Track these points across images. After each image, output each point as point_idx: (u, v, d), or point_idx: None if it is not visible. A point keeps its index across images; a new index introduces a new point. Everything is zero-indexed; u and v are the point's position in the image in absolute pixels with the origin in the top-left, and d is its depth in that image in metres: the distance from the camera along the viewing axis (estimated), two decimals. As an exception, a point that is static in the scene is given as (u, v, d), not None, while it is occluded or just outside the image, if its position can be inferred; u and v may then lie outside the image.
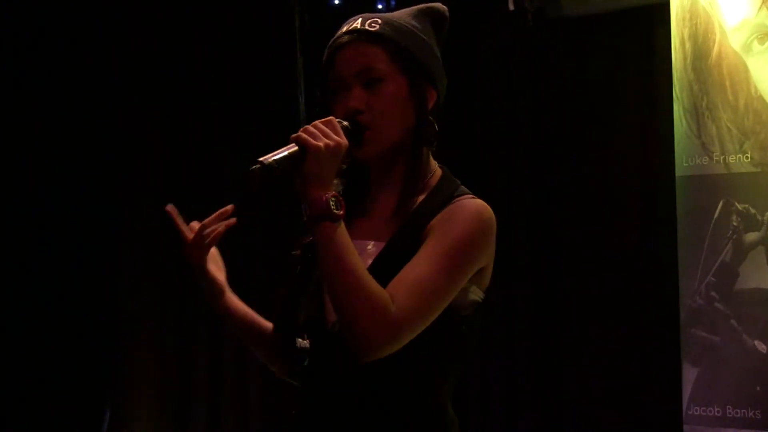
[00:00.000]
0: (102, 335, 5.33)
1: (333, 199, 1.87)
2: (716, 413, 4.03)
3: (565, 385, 4.77)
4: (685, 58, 4.18)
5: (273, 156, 1.86)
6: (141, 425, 5.31)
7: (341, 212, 1.88)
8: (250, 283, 5.32)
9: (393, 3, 4.89)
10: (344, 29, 2.06)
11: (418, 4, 2.13)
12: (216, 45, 5.37)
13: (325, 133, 1.89)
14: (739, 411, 3.98)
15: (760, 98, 4.02)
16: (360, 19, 2.06)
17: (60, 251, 5.24)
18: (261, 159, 1.85)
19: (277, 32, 5.19)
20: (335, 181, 1.97)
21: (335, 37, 2.07)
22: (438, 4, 2.14)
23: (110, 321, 5.35)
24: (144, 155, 5.42)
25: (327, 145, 1.88)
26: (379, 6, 4.83)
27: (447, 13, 2.14)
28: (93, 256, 5.31)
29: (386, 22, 2.05)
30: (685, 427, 4.11)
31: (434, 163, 2.09)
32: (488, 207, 2.00)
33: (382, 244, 2.00)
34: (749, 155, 4.04)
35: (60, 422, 5.20)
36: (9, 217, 5.16)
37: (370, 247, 2.01)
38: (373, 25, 2.04)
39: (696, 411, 4.08)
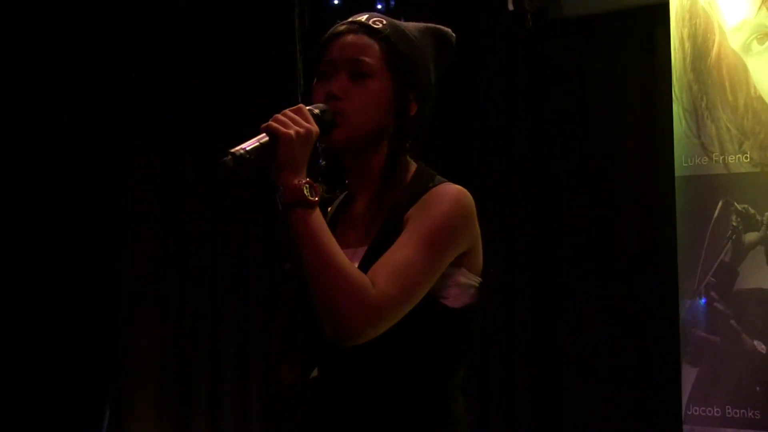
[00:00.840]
0: (102, 335, 5.33)
1: (307, 185, 1.87)
2: (716, 413, 4.03)
3: (565, 385, 4.77)
4: (684, 59, 4.18)
5: (244, 146, 1.87)
6: (141, 425, 5.31)
7: (316, 198, 1.88)
8: (251, 289, 5.32)
9: (392, 3, 4.88)
10: (347, 21, 2.07)
11: (415, 10, 2.13)
12: (216, 45, 5.38)
13: (295, 120, 1.90)
14: (738, 411, 3.98)
15: (760, 98, 4.02)
16: (366, 15, 2.07)
17: (61, 251, 5.25)
18: (232, 150, 1.86)
19: (277, 32, 5.19)
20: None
21: (335, 26, 2.07)
22: (446, 28, 2.13)
23: (111, 321, 5.36)
24: (145, 155, 5.43)
25: (297, 132, 1.88)
26: (379, 6, 4.82)
27: (453, 39, 2.13)
28: (94, 256, 5.32)
29: (390, 24, 2.06)
30: (685, 427, 4.11)
31: (408, 160, 2.07)
32: (465, 191, 1.99)
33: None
34: (748, 155, 4.04)
35: (60, 422, 5.21)
36: (10, 217, 5.17)
37: (358, 257, 1.99)
38: (377, 23, 2.05)
39: (695, 411, 4.08)
